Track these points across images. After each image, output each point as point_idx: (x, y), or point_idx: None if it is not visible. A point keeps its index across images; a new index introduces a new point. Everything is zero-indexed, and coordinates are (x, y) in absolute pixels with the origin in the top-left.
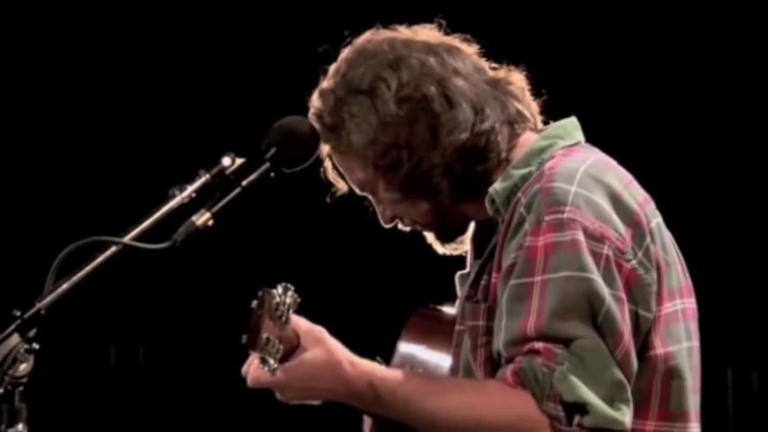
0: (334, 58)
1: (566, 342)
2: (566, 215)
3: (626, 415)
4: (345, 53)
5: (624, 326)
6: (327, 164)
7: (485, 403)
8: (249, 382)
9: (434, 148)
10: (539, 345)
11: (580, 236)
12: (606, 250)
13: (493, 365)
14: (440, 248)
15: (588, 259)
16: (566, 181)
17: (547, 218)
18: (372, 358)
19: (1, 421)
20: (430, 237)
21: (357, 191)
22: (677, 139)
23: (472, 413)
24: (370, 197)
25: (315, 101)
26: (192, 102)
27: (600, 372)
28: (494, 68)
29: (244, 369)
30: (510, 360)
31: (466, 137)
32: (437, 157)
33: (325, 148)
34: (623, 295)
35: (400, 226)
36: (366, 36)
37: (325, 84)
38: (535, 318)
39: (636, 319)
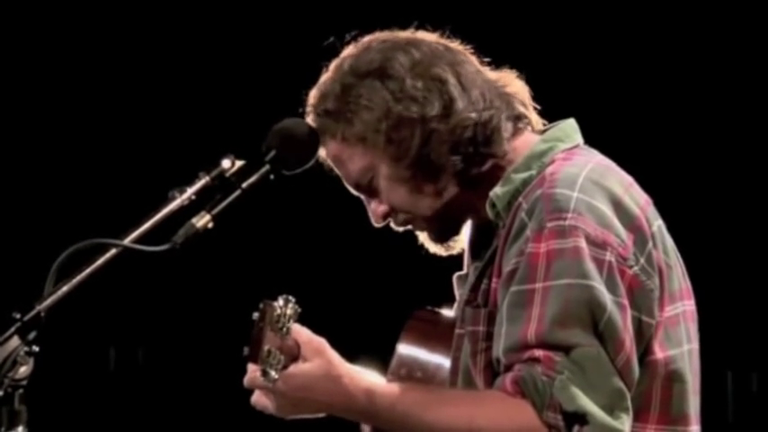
0: (335, 57)
1: (566, 350)
2: (568, 222)
3: (625, 423)
4: (349, 49)
5: (626, 333)
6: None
7: (483, 414)
8: (246, 383)
9: (446, 124)
10: (539, 353)
11: (582, 243)
12: (608, 257)
13: (492, 371)
14: (432, 248)
15: (590, 266)
16: (567, 187)
17: (549, 224)
18: (367, 360)
19: (1, 424)
20: (422, 236)
21: (351, 188)
22: (676, 140)
23: (471, 425)
24: (363, 196)
25: (314, 93)
26: (191, 104)
27: (600, 380)
28: (495, 73)
29: (245, 381)
30: (509, 367)
31: (476, 117)
32: (447, 134)
33: (322, 152)
34: (626, 302)
35: (393, 225)
36: (368, 37)
37: (328, 75)
38: (536, 325)
39: (638, 325)
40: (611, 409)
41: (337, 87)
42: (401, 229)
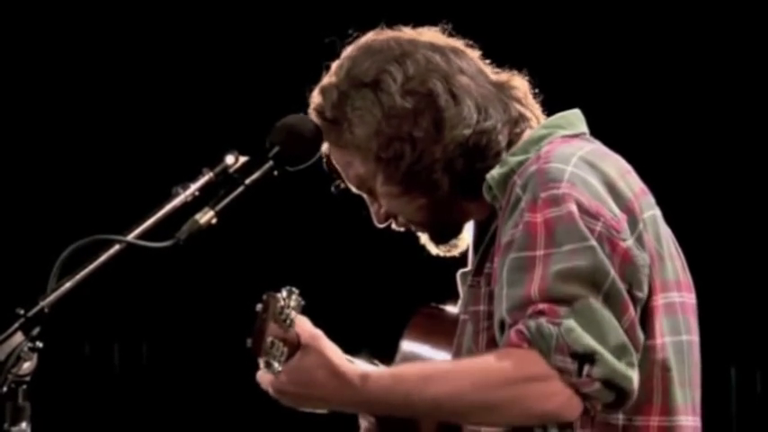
0: (337, 55)
1: (569, 301)
2: (561, 190)
3: (634, 376)
4: (349, 50)
5: (628, 298)
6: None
7: (487, 371)
8: (257, 378)
9: (437, 143)
10: (542, 306)
11: (574, 208)
12: (600, 227)
13: (495, 347)
14: (433, 249)
15: (585, 230)
16: (562, 162)
17: (543, 194)
18: (371, 360)
19: (5, 420)
20: (424, 237)
21: (353, 188)
22: (679, 138)
23: (475, 385)
24: (365, 196)
25: (316, 96)
26: (195, 100)
27: (606, 329)
28: (496, 73)
29: (257, 377)
30: (513, 325)
31: (468, 133)
32: (439, 152)
33: (324, 146)
34: (616, 273)
35: (394, 226)
36: (370, 35)
37: (328, 79)
38: (539, 283)
39: (629, 298)
40: (618, 357)
41: (334, 94)
42: (403, 229)
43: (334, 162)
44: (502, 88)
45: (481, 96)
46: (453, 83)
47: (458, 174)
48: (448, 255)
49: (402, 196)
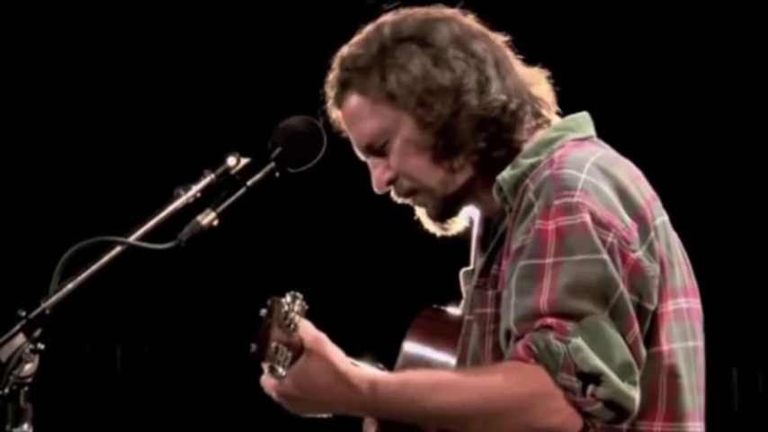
0: (340, 45)
1: (578, 317)
2: (575, 199)
3: (636, 395)
4: (387, 16)
5: (635, 314)
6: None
7: (494, 384)
8: (261, 383)
9: (478, 100)
10: (551, 320)
11: (588, 218)
12: (611, 238)
13: (501, 352)
14: (428, 225)
15: (598, 242)
16: (576, 168)
17: (556, 202)
18: (374, 364)
19: (6, 421)
20: (420, 212)
21: (360, 150)
22: (684, 140)
23: (484, 396)
24: (370, 159)
25: (348, 49)
26: (196, 101)
27: (611, 348)
28: (526, 69)
29: (261, 381)
30: (520, 337)
31: (505, 100)
32: (477, 110)
33: (335, 114)
34: (624, 286)
35: (393, 194)
36: (409, 9)
37: (364, 35)
38: (548, 294)
39: (638, 310)
40: (622, 377)
41: (374, 47)
42: (401, 200)
43: (345, 119)
44: (530, 80)
45: (516, 76)
46: (498, 55)
47: (486, 138)
48: (440, 234)
49: (427, 151)
